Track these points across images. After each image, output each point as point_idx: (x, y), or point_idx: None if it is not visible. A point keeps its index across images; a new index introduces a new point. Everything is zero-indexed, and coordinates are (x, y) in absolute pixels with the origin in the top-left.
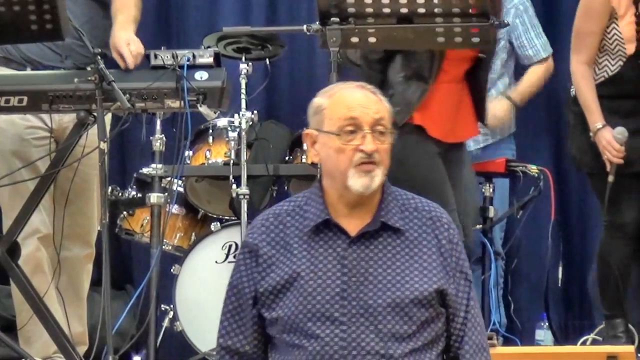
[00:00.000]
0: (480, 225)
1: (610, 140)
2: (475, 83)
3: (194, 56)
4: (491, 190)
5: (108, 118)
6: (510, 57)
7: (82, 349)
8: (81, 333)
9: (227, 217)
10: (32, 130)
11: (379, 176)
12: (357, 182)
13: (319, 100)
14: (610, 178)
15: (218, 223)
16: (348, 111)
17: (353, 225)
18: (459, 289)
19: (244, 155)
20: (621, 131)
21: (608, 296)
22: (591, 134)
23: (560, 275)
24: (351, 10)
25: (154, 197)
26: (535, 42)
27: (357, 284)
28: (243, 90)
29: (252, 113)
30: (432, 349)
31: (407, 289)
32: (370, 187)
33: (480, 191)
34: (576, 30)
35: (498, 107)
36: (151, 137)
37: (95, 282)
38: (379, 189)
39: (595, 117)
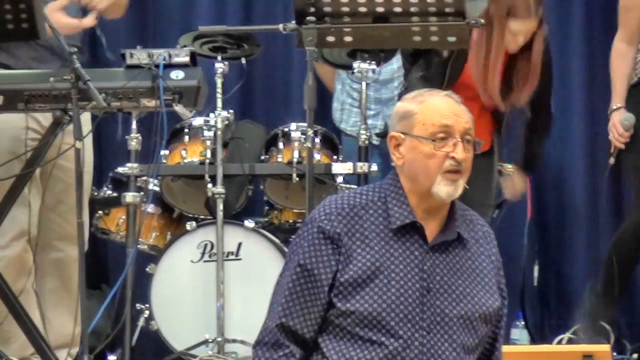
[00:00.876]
0: None
1: (616, 123)
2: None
3: (169, 55)
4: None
5: (87, 117)
6: None
7: (77, 350)
8: (78, 334)
9: (203, 217)
10: (27, 131)
11: (461, 186)
12: (442, 189)
13: (408, 105)
14: (611, 160)
15: (194, 222)
16: (442, 118)
17: (428, 231)
18: (502, 307)
19: (219, 155)
20: (628, 117)
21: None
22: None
23: (536, 274)
24: (327, 9)
25: (130, 197)
26: None
27: (434, 291)
28: (219, 90)
29: (228, 112)
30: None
31: (476, 303)
32: (453, 196)
33: None
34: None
35: (518, 182)
36: (127, 137)
37: None
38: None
39: (616, 96)
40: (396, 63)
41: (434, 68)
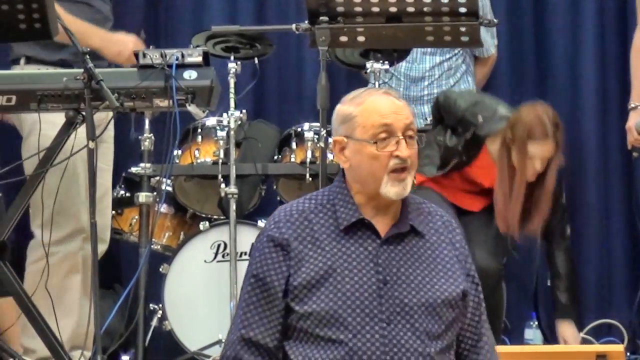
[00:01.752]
0: None
1: (631, 126)
2: None
3: (182, 55)
4: None
5: (106, 117)
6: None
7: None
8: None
9: (216, 217)
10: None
11: (409, 184)
12: (390, 190)
13: (347, 108)
14: (635, 154)
15: (207, 222)
16: (381, 118)
17: (380, 225)
18: (471, 292)
19: (232, 155)
20: None
21: None
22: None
23: (549, 275)
24: (340, 9)
25: (143, 197)
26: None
27: (392, 282)
28: (232, 90)
29: (241, 112)
30: (452, 348)
31: (437, 290)
32: (402, 195)
33: None
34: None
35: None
36: (140, 137)
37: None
38: None
39: (635, 94)
40: (428, 62)
41: (452, 142)
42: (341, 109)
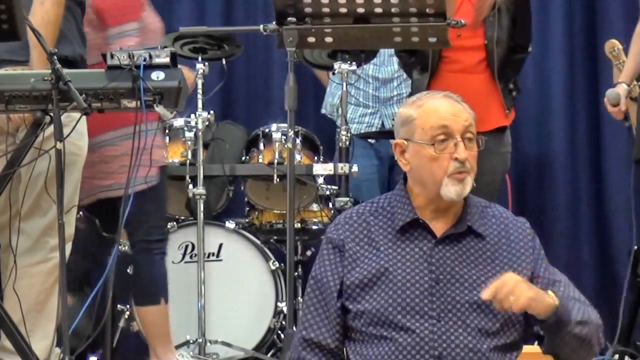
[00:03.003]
0: None
1: (606, 99)
2: (495, 72)
3: (150, 56)
4: None
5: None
6: None
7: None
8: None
9: (184, 218)
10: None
11: (469, 183)
12: (450, 190)
13: (408, 110)
14: (626, 123)
15: (174, 223)
16: (440, 120)
17: (439, 226)
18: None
19: (200, 156)
20: (610, 93)
21: None
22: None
23: None
24: (308, 10)
25: None
26: None
27: (444, 281)
28: (199, 90)
29: (209, 113)
30: (514, 350)
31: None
32: (462, 195)
33: None
34: None
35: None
36: None
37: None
38: None
39: (623, 73)
40: (396, 64)
41: (425, 52)
42: (402, 111)
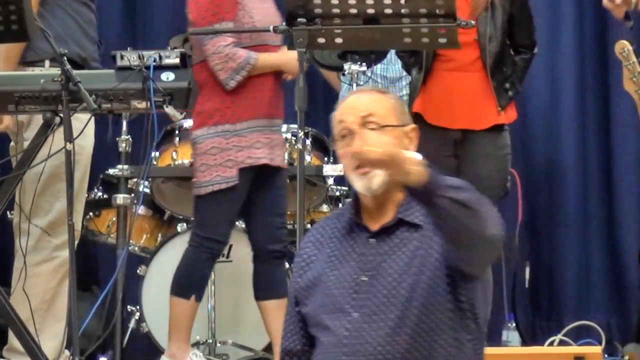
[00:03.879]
0: None
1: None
2: (489, 70)
3: (160, 57)
4: None
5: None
6: None
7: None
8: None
9: (194, 218)
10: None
11: (377, 176)
12: (358, 185)
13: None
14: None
15: (184, 224)
16: (338, 116)
17: (377, 223)
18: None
19: None
20: None
21: None
22: None
23: (527, 276)
24: (318, 10)
25: (120, 198)
26: None
27: (370, 277)
28: None
29: None
30: (436, 336)
31: (413, 283)
32: (370, 188)
33: None
34: None
35: None
36: (117, 138)
37: None
38: (399, 186)
39: None
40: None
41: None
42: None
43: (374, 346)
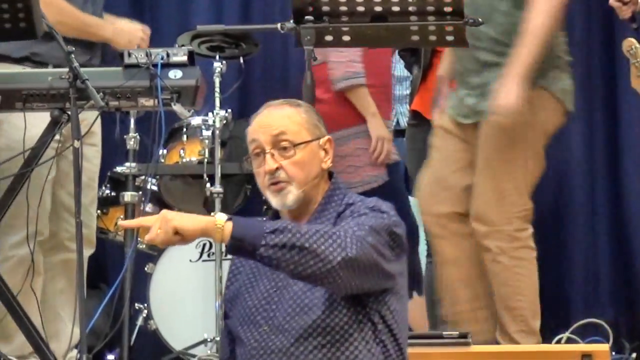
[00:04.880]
0: None
1: None
2: None
3: (167, 55)
4: None
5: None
6: None
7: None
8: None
9: None
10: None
11: (292, 192)
12: (273, 201)
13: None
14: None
15: None
16: (251, 134)
17: None
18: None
19: (218, 154)
20: None
21: None
22: None
23: None
24: (325, 8)
25: (128, 196)
26: None
27: (281, 289)
28: (217, 89)
29: (226, 112)
30: (344, 348)
31: (320, 294)
32: (285, 205)
33: None
34: None
35: None
36: (125, 136)
37: None
38: (318, 197)
39: None
40: None
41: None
42: None
43: (280, 357)
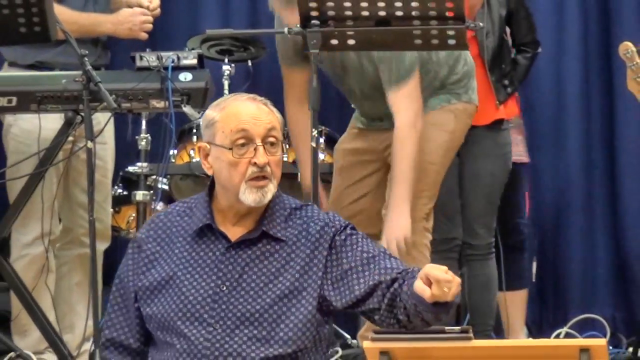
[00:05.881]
0: None
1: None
2: (487, 65)
3: (178, 58)
4: None
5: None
6: None
7: None
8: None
9: None
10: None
11: (271, 191)
12: (248, 198)
13: (211, 113)
14: None
15: None
16: (240, 124)
17: (237, 232)
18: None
19: None
20: None
21: None
22: None
23: (534, 271)
24: (331, 13)
25: (140, 195)
26: None
27: (230, 288)
28: (226, 91)
29: None
30: (302, 354)
31: (264, 300)
32: (261, 202)
33: None
34: None
35: None
36: (137, 137)
37: None
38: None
39: None
40: None
41: None
42: (206, 113)
43: (230, 358)
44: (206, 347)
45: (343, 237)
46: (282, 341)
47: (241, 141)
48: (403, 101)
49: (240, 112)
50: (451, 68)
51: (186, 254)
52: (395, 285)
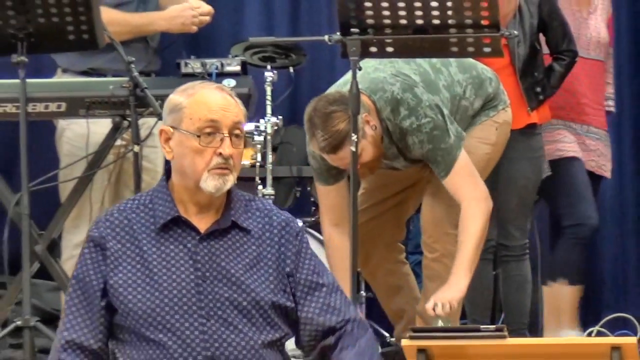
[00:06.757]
0: None
1: None
2: (518, 72)
3: (222, 64)
4: None
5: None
6: None
7: None
8: None
9: None
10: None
11: (231, 181)
12: (209, 185)
13: (178, 98)
14: None
15: None
16: (209, 113)
17: (203, 222)
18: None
19: (269, 158)
20: None
21: None
22: None
23: None
24: (370, 21)
25: None
26: None
27: (211, 279)
28: (268, 97)
29: (277, 118)
30: (280, 343)
31: (244, 290)
32: (221, 190)
33: None
34: None
35: None
36: None
37: None
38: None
39: None
40: None
41: None
42: (172, 98)
43: (244, 354)
44: (204, 339)
45: (298, 244)
46: (277, 326)
47: (209, 130)
48: (457, 180)
49: (210, 101)
50: (485, 97)
51: (155, 249)
52: (332, 339)
